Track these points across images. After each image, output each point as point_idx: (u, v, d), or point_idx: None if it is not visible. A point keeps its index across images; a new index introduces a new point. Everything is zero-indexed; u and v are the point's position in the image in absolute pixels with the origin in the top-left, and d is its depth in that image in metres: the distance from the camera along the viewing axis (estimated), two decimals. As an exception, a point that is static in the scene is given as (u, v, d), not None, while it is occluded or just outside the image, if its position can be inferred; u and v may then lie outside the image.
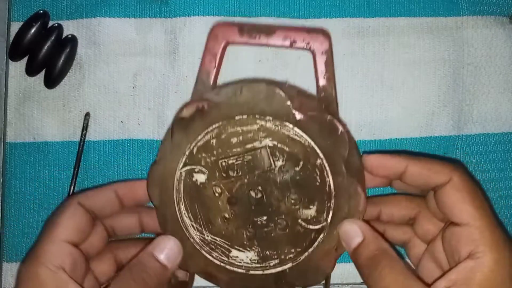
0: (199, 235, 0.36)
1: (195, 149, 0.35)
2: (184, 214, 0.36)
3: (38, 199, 0.43)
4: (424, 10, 0.44)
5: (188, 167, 0.35)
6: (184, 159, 0.35)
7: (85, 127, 0.43)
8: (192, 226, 0.36)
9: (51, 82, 0.42)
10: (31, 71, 0.42)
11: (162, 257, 0.34)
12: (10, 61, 0.43)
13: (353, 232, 0.34)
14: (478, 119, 0.44)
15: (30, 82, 0.44)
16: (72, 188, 0.43)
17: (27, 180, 0.43)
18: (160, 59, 0.43)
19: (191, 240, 0.36)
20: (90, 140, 0.43)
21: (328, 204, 0.34)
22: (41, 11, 0.42)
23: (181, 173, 0.35)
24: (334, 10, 0.44)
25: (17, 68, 0.44)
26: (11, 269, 0.43)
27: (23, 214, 0.43)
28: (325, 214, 0.34)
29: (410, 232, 0.38)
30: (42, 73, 0.43)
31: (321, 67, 0.37)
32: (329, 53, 0.37)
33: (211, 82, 0.37)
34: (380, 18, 0.44)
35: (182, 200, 0.35)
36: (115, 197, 0.37)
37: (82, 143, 0.43)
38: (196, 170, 0.35)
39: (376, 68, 0.43)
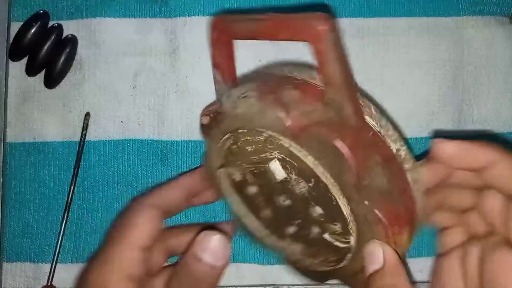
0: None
1: (222, 152, 0.33)
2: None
3: (38, 199, 0.43)
4: (424, 10, 0.44)
5: (223, 169, 0.34)
6: (219, 161, 0.33)
7: (85, 127, 0.43)
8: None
9: (51, 82, 0.42)
10: (31, 71, 0.42)
11: (206, 257, 0.31)
12: (10, 61, 0.43)
13: (374, 256, 0.29)
14: (478, 119, 0.44)
15: (30, 82, 0.44)
16: (72, 188, 0.43)
17: (27, 180, 0.43)
18: (160, 59, 0.43)
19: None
20: (90, 140, 0.43)
21: (349, 227, 0.30)
22: (41, 11, 0.42)
23: (220, 172, 0.34)
24: (334, 10, 0.44)
25: (17, 68, 0.44)
26: (11, 269, 0.43)
27: (23, 214, 0.43)
28: (349, 236, 0.30)
29: (456, 218, 0.33)
30: (42, 73, 0.43)
31: (319, 61, 0.27)
32: (330, 40, 0.26)
33: (226, 80, 0.35)
34: (380, 18, 0.44)
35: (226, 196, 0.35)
36: (182, 192, 0.36)
37: (82, 143, 0.43)
38: (230, 171, 0.34)
39: (376, 68, 0.43)
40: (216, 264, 0.31)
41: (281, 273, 0.43)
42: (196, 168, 0.38)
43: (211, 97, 0.41)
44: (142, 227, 0.32)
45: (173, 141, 0.43)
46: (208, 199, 0.38)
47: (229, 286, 0.43)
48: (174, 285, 0.32)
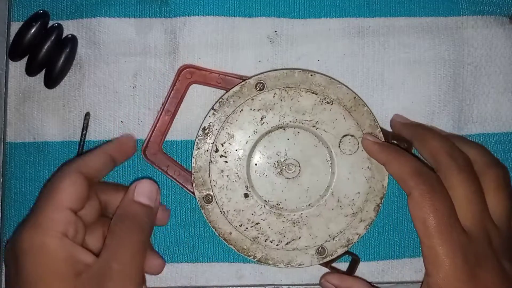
0: None
1: None
2: None
3: (38, 199, 0.43)
4: (424, 10, 0.44)
5: None
6: None
7: (85, 127, 0.43)
8: None
9: (51, 82, 0.42)
10: (31, 71, 0.42)
11: (142, 199, 0.36)
12: (10, 61, 0.43)
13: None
14: (478, 119, 0.44)
15: (30, 82, 0.44)
16: (72, 188, 0.43)
17: (27, 180, 0.43)
18: (160, 59, 0.43)
19: None
20: (90, 140, 0.43)
21: None
22: (41, 11, 0.42)
23: None
24: (334, 10, 0.44)
25: (17, 68, 0.44)
26: (11, 269, 0.43)
27: (23, 214, 0.43)
28: None
29: None
30: (42, 73, 0.43)
31: None
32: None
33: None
34: (380, 18, 0.44)
35: None
36: (109, 158, 0.39)
37: (82, 143, 0.43)
38: None
39: (376, 68, 0.43)
40: (151, 204, 0.36)
41: (281, 273, 0.43)
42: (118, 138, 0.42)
43: (210, 97, 0.42)
44: (69, 190, 0.34)
45: (173, 141, 0.43)
46: (128, 155, 0.41)
47: (229, 286, 0.43)
48: (115, 229, 0.35)
